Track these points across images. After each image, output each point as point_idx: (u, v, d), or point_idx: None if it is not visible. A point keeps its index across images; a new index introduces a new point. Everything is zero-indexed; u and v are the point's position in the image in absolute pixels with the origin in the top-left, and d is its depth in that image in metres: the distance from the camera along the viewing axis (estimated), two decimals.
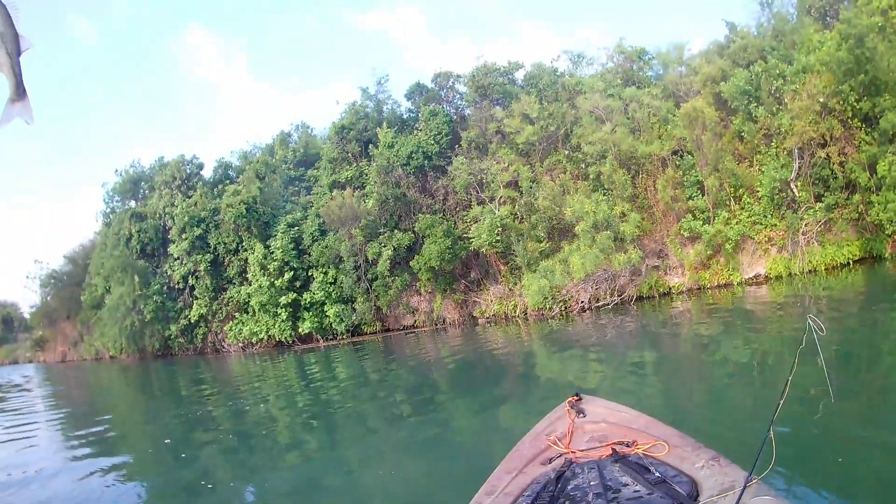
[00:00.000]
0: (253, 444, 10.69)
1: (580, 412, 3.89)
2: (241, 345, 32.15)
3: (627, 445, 3.17)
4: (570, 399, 4.13)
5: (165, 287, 35.26)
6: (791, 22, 28.54)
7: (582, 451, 3.30)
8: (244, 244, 31.27)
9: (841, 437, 5.78)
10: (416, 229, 26.15)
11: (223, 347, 33.58)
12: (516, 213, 25.46)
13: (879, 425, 6.00)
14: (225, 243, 31.94)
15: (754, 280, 24.56)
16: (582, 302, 24.54)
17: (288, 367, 25.46)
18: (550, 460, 3.27)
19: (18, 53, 1.38)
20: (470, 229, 25.55)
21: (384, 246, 26.58)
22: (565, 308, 24.63)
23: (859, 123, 23.50)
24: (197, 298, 33.71)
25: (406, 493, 6.70)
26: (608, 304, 24.21)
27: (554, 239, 25.07)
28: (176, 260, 34.34)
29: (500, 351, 19.64)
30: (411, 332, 27.40)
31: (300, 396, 15.75)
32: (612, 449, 3.16)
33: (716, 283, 24.55)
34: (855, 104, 23.11)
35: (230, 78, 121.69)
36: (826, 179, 24.45)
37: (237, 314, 32.19)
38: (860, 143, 23.48)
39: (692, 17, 68.24)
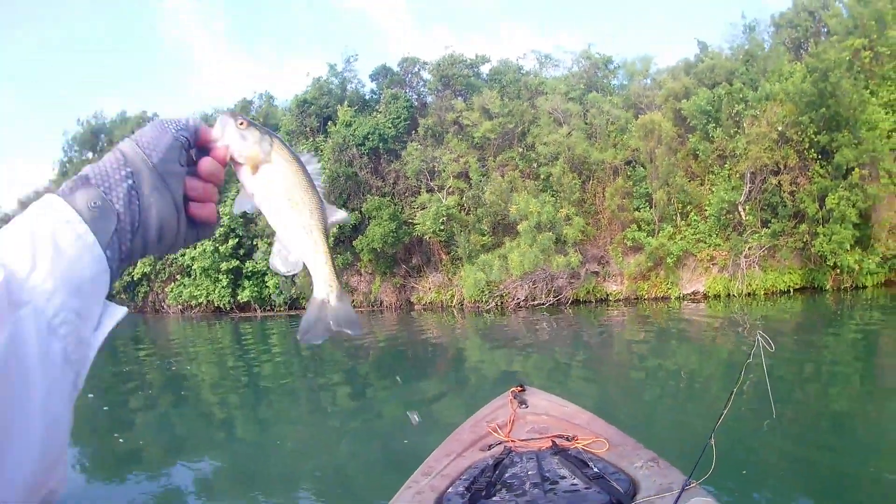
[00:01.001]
0: (179, 407, 10.69)
1: (523, 403, 3.91)
2: (180, 307, 31.81)
3: (568, 439, 3.18)
4: (513, 389, 4.14)
5: None
6: (765, 50, 28.81)
7: (522, 440, 3.30)
8: None
9: (779, 451, 6.06)
10: (363, 210, 25.98)
11: (163, 308, 33.22)
12: (463, 205, 25.42)
13: (813, 443, 6.33)
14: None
15: (692, 296, 24.79)
16: (518, 299, 24.55)
17: (224, 333, 25.26)
18: (490, 447, 3.25)
19: (326, 232, 0.93)
20: (416, 215, 25.44)
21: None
22: (501, 303, 24.63)
23: (815, 155, 23.75)
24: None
25: (337, 474, 6.64)
26: (543, 304, 24.25)
27: (498, 234, 25.05)
28: None
29: (436, 339, 19.66)
30: None
31: (233, 366, 15.66)
32: (552, 441, 3.16)
33: (653, 295, 24.74)
34: (813, 136, 23.37)
35: (207, 40, 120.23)
36: (775, 206, 24.70)
37: (179, 276, 31.82)
38: (813, 174, 23.74)
39: (670, 33, 68.98)
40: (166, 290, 32.66)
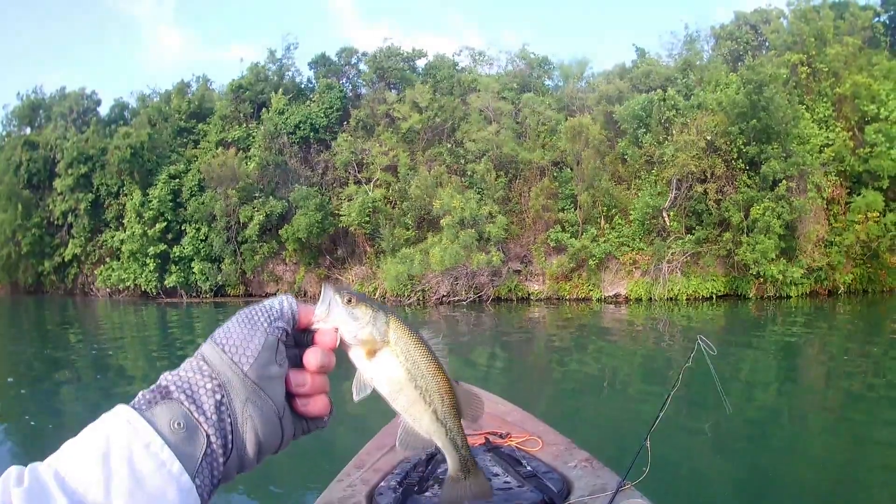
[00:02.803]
0: (100, 391, 10.47)
1: None
2: (108, 290, 31.37)
3: (501, 437, 3.12)
4: None
5: (45, 221, 34.13)
6: (703, 60, 29.18)
7: None
8: (125, 189, 30.45)
9: (709, 453, 6.22)
10: (290, 199, 25.87)
11: (91, 291, 32.74)
12: (389, 198, 25.44)
13: (740, 447, 6.46)
14: (108, 185, 31.05)
15: (614, 299, 25.03)
16: (440, 295, 24.64)
17: (151, 319, 25.01)
18: None
19: (459, 414, 0.86)
20: (343, 206, 25.40)
21: (257, 211, 26.27)
22: (423, 298, 24.70)
23: (743, 166, 24.08)
24: (73, 238, 32.73)
25: (266, 465, 6.50)
26: (464, 301, 24.35)
27: (422, 229, 25.10)
28: (59, 195, 33.22)
29: None
30: None
31: (158, 353, 15.40)
32: (486, 438, 3.09)
33: (575, 296, 24.95)
34: (742, 147, 23.67)
35: (156, 16, 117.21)
36: (700, 214, 25.02)
37: (108, 259, 31.37)
38: (740, 184, 24.03)
39: (608, 38, 69.67)
40: (95, 272, 32.17)
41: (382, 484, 2.58)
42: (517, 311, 23.94)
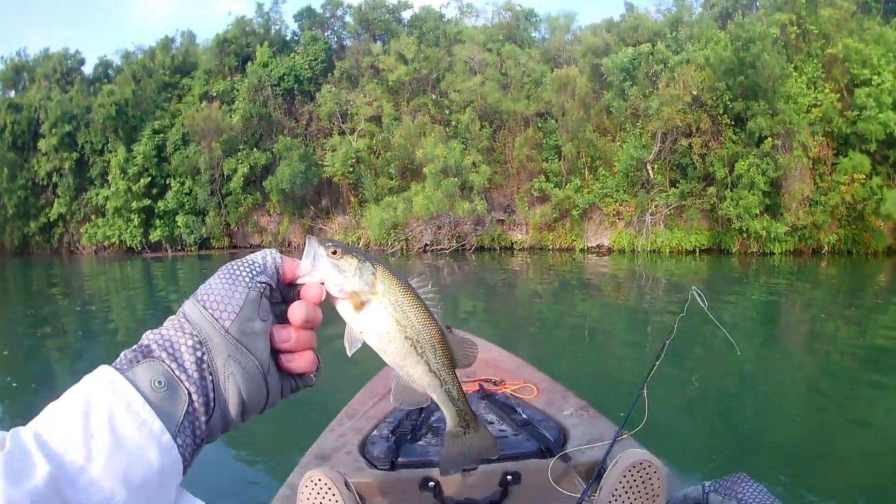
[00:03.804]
0: (86, 347, 10.44)
1: None
2: (94, 248, 31.30)
3: (495, 384, 3.05)
4: None
5: (30, 183, 33.93)
6: (694, 16, 28.97)
7: None
8: (109, 146, 30.30)
9: (700, 406, 6.23)
10: (273, 150, 25.78)
11: (77, 249, 32.68)
12: (373, 148, 25.36)
13: (725, 401, 6.49)
14: (92, 143, 30.88)
15: (596, 249, 25.04)
16: (423, 243, 24.64)
17: (135, 273, 25.00)
18: None
19: (453, 364, 0.83)
20: (326, 157, 25.33)
21: (241, 163, 26.18)
22: (406, 246, 24.69)
23: (728, 121, 23.93)
24: (59, 197, 32.59)
25: (258, 419, 6.41)
26: (447, 249, 24.35)
27: (406, 178, 25.04)
28: (44, 155, 33.03)
29: None
30: (257, 251, 27.29)
31: (144, 307, 15.34)
32: (480, 385, 3.02)
33: (558, 246, 24.96)
34: (728, 103, 23.53)
35: None
36: (684, 167, 24.96)
37: (94, 216, 31.27)
38: (725, 140, 23.91)
39: None
40: (81, 230, 32.07)
41: (375, 433, 2.52)
42: (500, 259, 23.92)
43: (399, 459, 2.29)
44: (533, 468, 2.24)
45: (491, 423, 2.59)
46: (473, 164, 24.32)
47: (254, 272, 0.67)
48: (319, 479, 1.60)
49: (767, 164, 23.09)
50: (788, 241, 23.84)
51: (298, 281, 0.72)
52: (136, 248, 29.35)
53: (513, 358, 3.55)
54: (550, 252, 24.85)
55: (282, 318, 0.70)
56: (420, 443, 2.42)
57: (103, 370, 0.59)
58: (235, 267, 0.68)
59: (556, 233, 25.13)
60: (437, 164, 23.69)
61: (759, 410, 6.12)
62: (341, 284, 0.72)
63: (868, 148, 23.40)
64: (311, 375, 0.72)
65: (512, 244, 25.02)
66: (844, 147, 24.38)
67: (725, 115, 24.01)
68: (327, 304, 0.73)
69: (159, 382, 0.60)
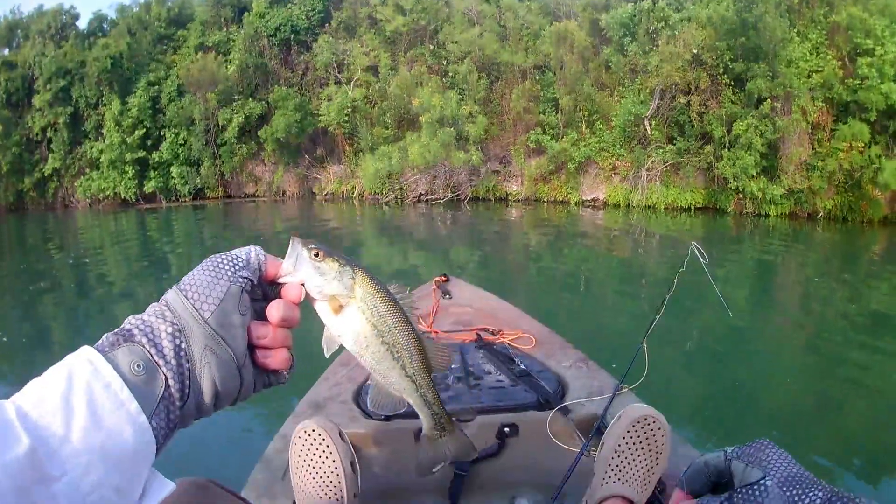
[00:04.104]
0: (82, 300, 10.36)
1: (446, 293, 3.64)
2: (88, 201, 31.18)
3: (493, 333, 2.96)
4: (436, 278, 3.82)
5: (24, 139, 33.73)
6: None
7: (445, 332, 3.04)
8: (104, 99, 30.13)
9: (697, 363, 6.31)
10: (269, 100, 25.67)
11: (72, 203, 32.52)
12: (369, 98, 25.25)
13: (722, 358, 6.54)
14: (87, 97, 30.68)
15: (591, 203, 24.98)
16: (418, 193, 24.59)
17: (129, 224, 24.97)
18: None
19: (429, 370, 0.84)
20: (322, 106, 25.23)
21: (236, 113, 26.08)
22: (401, 196, 24.64)
23: (728, 81, 23.78)
24: (53, 152, 32.39)
25: None
26: (441, 199, 24.30)
27: (402, 128, 24.95)
28: (38, 111, 32.82)
29: (337, 228, 19.69)
30: (251, 201, 27.27)
31: (136, 256, 15.38)
32: (477, 334, 2.94)
33: (553, 198, 24.91)
34: (728, 62, 23.40)
35: None
36: (682, 125, 24.90)
37: (88, 170, 31.13)
38: (724, 100, 23.81)
39: None
40: (75, 184, 31.93)
41: (370, 381, 2.42)
42: (495, 210, 23.91)
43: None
44: (531, 420, 2.17)
45: (489, 373, 2.52)
46: (470, 114, 24.22)
47: (237, 266, 0.71)
48: (313, 430, 1.54)
49: (766, 126, 23.00)
50: (784, 203, 23.74)
51: (280, 280, 0.74)
52: (131, 199, 29.24)
53: (510, 308, 3.48)
54: (545, 204, 24.79)
55: (261, 315, 0.73)
56: None
57: (85, 350, 0.62)
58: (219, 260, 0.71)
59: (551, 185, 25.06)
60: (433, 114, 23.59)
61: (753, 371, 6.16)
62: (321, 287, 0.74)
63: (868, 117, 23.27)
64: (285, 373, 0.75)
65: (507, 195, 24.97)
66: (844, 114, 24.26)
67: (725, 75, 23.90)
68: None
69: (138, 366, 0.63)
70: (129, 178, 28.84)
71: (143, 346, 0.64)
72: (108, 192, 29.91)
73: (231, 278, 0.70)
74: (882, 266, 13.63)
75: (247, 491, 1.80)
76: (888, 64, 22.64)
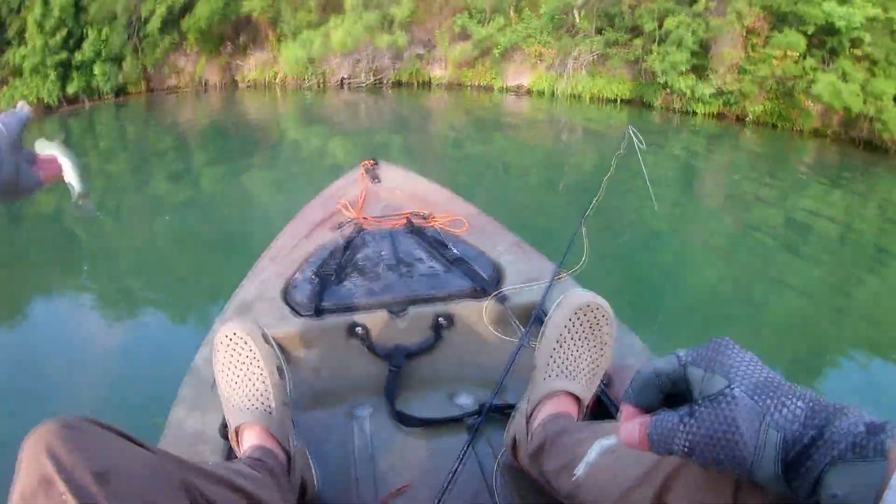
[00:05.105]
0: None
1: (375, 178, 3.41)
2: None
3: (424, 218, 2.78)
4: (364, 163, 3.56)
5: None
6: None
7: (375, 218, 2.86)
8: (27, 2, 29.27)
9: (652, 248, 6.39)
10: None
11: None
12: None
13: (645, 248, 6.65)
14: (8, 2, 29.80)
15: (516, 89, 24.96)
16: (341, 78, 24.34)
17: (53, 130, 24.31)
18: (341, 226, 2.79)
19: None
20: None
21: (159, 4, 25.52)
22: (323, 81, 24.38)
23: None
24: None
25: (173, 261, 5.97)
26: (363, 84, 24.09)
27: (326, 12, 24.62)
28: None
29: (258, 117, 19.80)
30: (174, 93, 26.83)
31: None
32: (408, 219, 2.76)
33: (477, 84, 24.85)
34: None
35: None
36: (612, 17, 24.90)
37: (11, 78, 30.25)
38: None
39: None
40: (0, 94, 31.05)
41: (297, 276, 2.29)
42: (418, 95, 23.83)
43: (323, 304, 2.08)
44: (467, 310, 2.04)
45: (420, 259, 2.36)
46: None
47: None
48: (234, 334, 1.38)
49: (698, 24, 23.05)
50: (713, 103, 23.76)
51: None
52: (54, 103, 28.48)
53: (442, 190, 3.28)
54: (469, 89, 24.75)
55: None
56: (345, 284, 2.20)
57: None
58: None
59: (475, 70, 24.99)
60: None
61: (684, 265, 6.19)
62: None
63: (805, 30, 23.48)
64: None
65: (430, 80, 24.85)
66: (781, 24, 24.45)
67: None
68: None
69: None
70: (52, 82, 28.08)
71: None
72: (31, 99, 29.07)
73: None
74: (809, 174, 13.55)
75: (176, 408, 1.66)
76: None
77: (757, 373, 0.62)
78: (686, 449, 0.62)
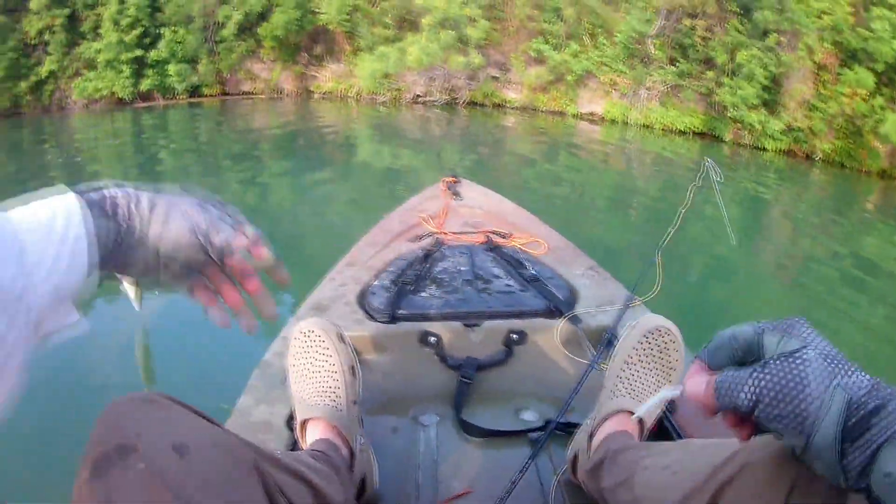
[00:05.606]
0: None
1: (456, 194, 3.47)
2: (85, 101, 30.86)
3: (503, 237, 2.80)
4: (446, 179, 3.63)
5: (21, 44, 33.27)
6: None
7: (455, 233, 2.88)
8: None
9: (723, 279, 6.25)
10: None
11: (68, 105, 32.20)
12: None
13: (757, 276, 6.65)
14: None
15: (589, 116, 24.87)
16: (416, 95, 24.45)
17: (125, 123, 24.86)
18: (420, 238, 2.84)
19: None
20: (322, 4, 24.95)
21: (235, 10, 25.79)
22: (398, 97, 24.50)
23: (736, 9, 23.46)
24: (50, 55, 31.96)
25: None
26: (438, 102, 24.18)
27: (403, 28, 24.72)
28: (35, 14, 32.33)
29: (333, 127, 19.59)
30: (248, 98, 27.12)
31: (133, 157, 14.85)
32: (487, 236, 2.78)
33: (550, 109, 24.79)
34: None
35: None
36: (685, 48, 24.63)
37: (85, 70, 30.78)
38: (730, 27, 23.44)
39: None
40: (72, 85, 31.59)
41: (375, 283, 2.30)
42: (491, 116, 23.85)
43: (399, 312, 2.10)
44: (540, 328, 2.05)
45: (498, 276, 2.39)
46: (472, 18, 24.03)
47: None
48: (311, 331, 1.42)
49: (770, 58, 22.73)
50: (783, 139, 23.48)
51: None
52: (128, 98, 28.95)
53: (521, 211, 3.30)
54: (542, 114, 24.70)
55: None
56: (422, 294, 2.23)
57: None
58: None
59: (549, 95, 24.94)
60: (435, 16, 23.40)
61: (755, 297, 6.09)
62: None
63: (875, 67, 22.97)
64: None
65: (504, 102, 24.88)
66: (851, 61, 23.95)
67: (733, 2, 23.64)
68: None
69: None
70: (126, 77, 28.52)
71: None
72: (104, 93, 29.60)
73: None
74: (875, 215, 13.37)
75: (245, 397, 1.70)
76: None
77: (828, 346, 0.63)
78: (752, 400, 0.62)
